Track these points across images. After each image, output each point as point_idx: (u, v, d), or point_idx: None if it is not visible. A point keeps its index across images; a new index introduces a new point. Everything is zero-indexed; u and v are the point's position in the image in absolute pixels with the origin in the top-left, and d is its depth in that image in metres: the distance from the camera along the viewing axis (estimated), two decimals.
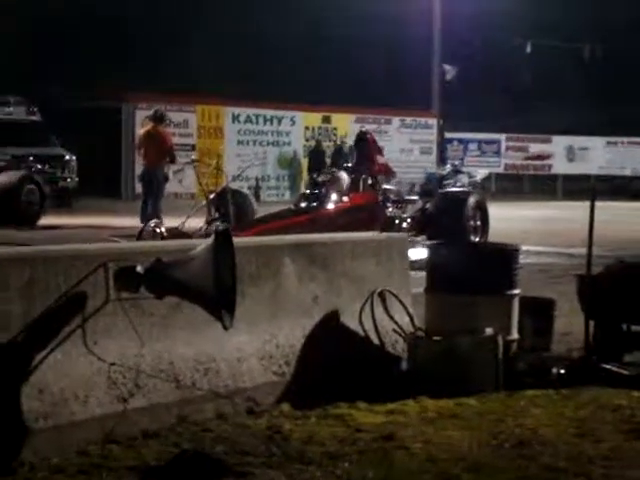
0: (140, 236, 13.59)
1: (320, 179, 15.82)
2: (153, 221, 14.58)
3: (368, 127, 36.61)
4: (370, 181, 15.55)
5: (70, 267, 5.39)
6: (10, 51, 38.95)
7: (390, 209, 15.22)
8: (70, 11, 40.46)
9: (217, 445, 5.33)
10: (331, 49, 43.78)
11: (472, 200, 15.30)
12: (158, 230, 13.86)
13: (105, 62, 39.15)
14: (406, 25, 40.89)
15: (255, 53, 42.79)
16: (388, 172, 16.39)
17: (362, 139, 16.65)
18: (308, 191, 15.77)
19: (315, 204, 15.03)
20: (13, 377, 5.08)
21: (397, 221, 14.88)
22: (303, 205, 15.32)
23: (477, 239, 14.97)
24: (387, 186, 15.92)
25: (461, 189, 19.20)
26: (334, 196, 15.08)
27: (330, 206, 14.98)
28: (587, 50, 41.91)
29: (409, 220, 15.02)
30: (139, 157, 21.05)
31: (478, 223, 15.30)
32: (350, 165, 16.27)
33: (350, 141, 35.47)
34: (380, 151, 16.82)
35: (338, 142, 34.05)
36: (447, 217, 14.57)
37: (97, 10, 40.64)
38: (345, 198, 15.07)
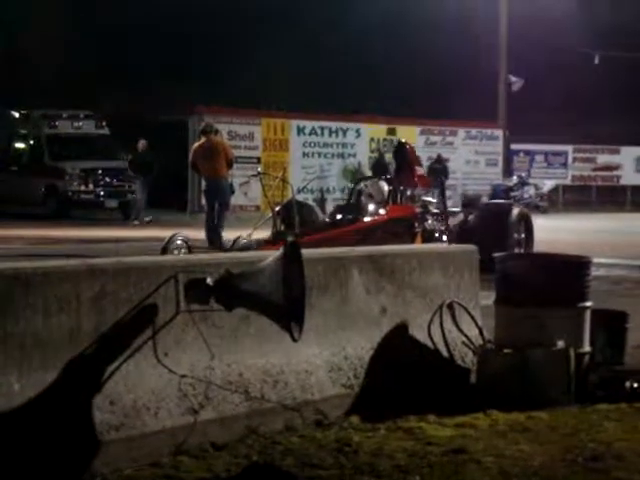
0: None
1: (359, 189, 15.64)
2: (180, 236, 14.18)
3: (433, 139, 36.78)
4: (409, 192, 15.32)
5: (140, 279, 5.42)
6: (76, 65, 39.52)
7: (429, 221, 14.92)
8: (135, 26, 40.91)
9: (286, 457, 5.32)
10: (396, 60, 43.72)
11: (515, 212, 14.93)
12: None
13: (170, 76, 39.50)
14: (472, 35, 40.71)
15: (319, 64, 42.91)
16: (426, 183, 16.08)
17: (401, 150, 16.44)
18: (344, 202, 15.55)
19: (351, 217, 14.79)
20: (85, 389, 5.11)
21: (436, 234, 14.57)
22: (339, 217, 15.11)
23: (521, 251, 14.45)
24: (426, 198, 15.66)
25: (506, 201, 18.82)
26: (371, 207, 14.89)
27: (367, 219, 14.72)
28: None
29: (448, 233, 14.68)
30: (193, 172, 21.15)
31: (522, 236, 14.87)
32: (389, 176, 16.06)
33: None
34: (419, 162, 16.55)
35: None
36: (489, 229, 14.09)
37: (161, 26, 41.06)
38: (382, 211, 14.84)
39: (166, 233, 14.65)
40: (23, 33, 39.28)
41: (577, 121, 45.17)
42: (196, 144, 18.47)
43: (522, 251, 14.51)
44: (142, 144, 26.87)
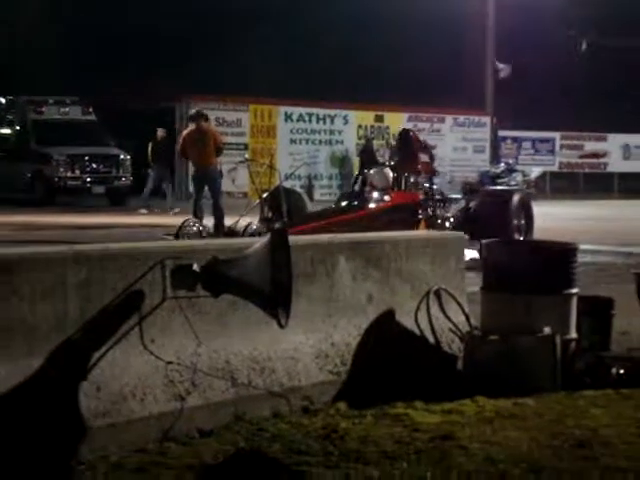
0: (177, 234, 13.60)
1: (364, 176, 15.71)
2: (192, 219, 14.56)
3: (421, 125, 36.77)
4: (412, 179, 15.39)
5: (127, 265, 5.41)
6: (65, 52, 39.36)
7: (432, 208, 15.03)
8: (124, 11, 40.78)
9: (273, 444, 5.33)
10: (383, 48, 43.66)
11: (516, 198, 15.06)
12: (195, 228, 13.86)
13: (157, 63, 39.39)
14: (459, 23, 40.67)
15: (307, 53, 42.83)
16: (430, 170, 16.17)
17: (405, 137, 16.44)
18: (351, 190, 15.66)
19: (356, 203, 14.93)
20: (71, 375, 5.11)
21: (439, 220, 14.68)
22: (344, 204, 15.24)
23: (522, 238, 14.69)
24: (429, 184, 15.73)
25: (507, 187, 18.98)
26: (376, 194, 14.97)
27: (371, 205, 14.84)
28: None
29: (452, 219, 14.81)
30: (181, 159, 21.11)
31: (522, 222, 15.05)
32: (391, 162, 16.07)
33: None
34: (423, 149, 16.58)
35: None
36: (491, 216, 14.34)
37: (152, 15, 40.93)
38: (387, 197, 14.94)
39: (153, 220, 14.66)
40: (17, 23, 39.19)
41: (564, 108, 45.18)
42: (185, 131, 18.44)
43: (522, 237, 14.67)
44: (161, 132, 26.68)
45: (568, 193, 38.11)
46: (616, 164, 41.77)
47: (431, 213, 14.84)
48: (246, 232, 13.46)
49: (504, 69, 37.02)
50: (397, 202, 14.81)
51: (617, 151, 41.97)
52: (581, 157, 41.77)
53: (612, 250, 16.24)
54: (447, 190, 17.05)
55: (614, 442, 5.41)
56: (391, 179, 15.15)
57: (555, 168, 41.21)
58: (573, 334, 7.00)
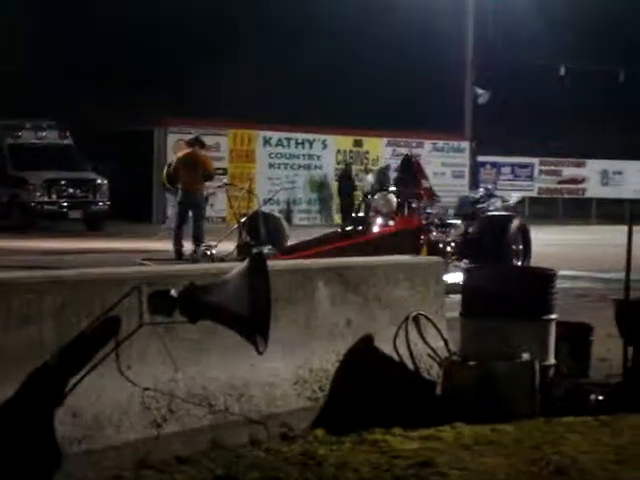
0: (192, 258, 13.79)
1: (366, 202, 16.09)
2: (204, 245, 14.82)
3: (400, 150, 36.85)
4: (415, 205, 15.65)
5: (103, 291, 5.37)
6: (43, 74, 39.29)
7: (434, 233, 15.24)
8: (103, 34, 40.77)
9: (251, 471, 5.28)
10: (362, 72, 43.81)
11: (514, 224, 15.30)
12: (209, 252, 14.05)
13: (137, 86, 39.38)
14: (439, 48, 40.87)
15: (288, 78, 42.93)
16: (432, 196, 16.43)
17: (408, 163, 16.76)
18: (355, 214, 16.08)
19: (361, 228, 15.21)
20: (47, 402, 5.05)
21: (441, 245, 14.88)
22: (349, 228, 15.57)
23: (520, 263, 14.95)
24: (430, 210, 15.96)
25: (504, 213, 19.28)
26: (380, 219, 15.23)
27: (376, 229, 15.11)
28: (622, 73, 41.71)
29: (453, 244, 15.03)
30: (168, 183, 21.01)
31: (520, 247, 15.30)
32: (396, 188, 16.36)
33: (384, 164, 35.58)
34: (425, 175, 16.92)
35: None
36: (490, 241, 14.61)
37: (130, 35, 40.96)
38: (391, 222, 15.20)
39: (130, 245, 14.66)
40: None
41: (543, 134, 45.43)
42: (180, 153, 18.49)
43: (520, 262, 14.96)
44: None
45: (547, 218, 38.20)
46: (594, 190, 41.95)
47: (433, 238, 15.04)
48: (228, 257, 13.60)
49: (483, 95, 37.21)
50: (400, 227, 15.06)
51: (595, 177, 42.17)
52: (560, 183, 41.94)
53: (591, 276, 16.27)
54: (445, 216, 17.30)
55: (592, 469, 5.39)
56: (395, 204, 15.40)
57: (534, 193, 41.34)
58: (552, 360, 7.00)
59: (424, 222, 15.32)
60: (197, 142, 18.16)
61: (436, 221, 15.56)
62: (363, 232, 15.05)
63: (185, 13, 42.02)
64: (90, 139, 29.73)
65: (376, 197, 15.86)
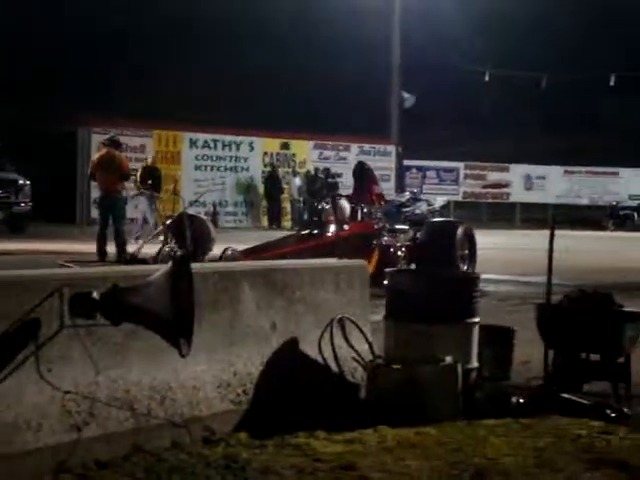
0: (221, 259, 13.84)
1: (321, 207, 16.45)
2: (230, 248, 14.79)
3: (327, 154, 36.98)
4: (367, 210, 16.02)
5: (24, 293, 5.29)
6: None
7: (385, 238, 15.51)
8: (25, 33, 40.27)
9: (173, 475, 5.24)
10: (291, 75, 43.84)
11: (460, 230, 15.70)
12: (229, 252, 14.10)
13: (61, 86, 38.96)
14: (366, 52, 41.05)
15: (215, 80, 42.77)
16: (383, 202, 16.81)
17: (362, 170, 17.14)
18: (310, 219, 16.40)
19: (316, 232, 15.54)
20: None
21: (392, 249, 15.13)
22: (304, 232, 15.89)
23: (466, 266, 15.48)
24: (381, 215, 16.35)
25: (453, 219, 19.99)
26: (334, 224, 15.53)
27: (330, 234, 15.39)
28: (544, 79, 42.28)
29: (403, 248, 15.30)
30: (92, 182, 20.84)
31: (466, 252, 15.78)
32: (349, 194, 16.79)
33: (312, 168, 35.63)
34: (376, 182, 17.39)
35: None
36: (437, 246, 15.01)
37: (54, 33, 40.51)
38: (345, 226, 15.51)
39: (53, 246, 14.47)
40: None
41: (469, 138, 45.85)
42: (96, 155, 18.35)
43: (466, 266, 15.50)
44: (152, 159, 26.12)
45: (472, 222, 38.45)
46: (518, 194, 42.46)
47: (384, 242, 15.29)
48: (224, 256, 13.86)
49: (409, 99, 37.44)
50: (355, 231, 15.38)
51: (519, 181, 42.67)
52: (484, 187, 42.38)
53: (514, 279, 16.45)
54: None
55: (512, 472, 5.44)
56: (348, 210, 15.78)
57: (459, 198, 41.75)
58: (474, 363, 7.05)
59: (376, 227, 15.65)
60: (112, 142, 18.02)
61: (387, 226, 15.91)
62: (320, 235, 15.37)
63: (109, 13, 41.71)
64: (13, 140, 29.33)
65: (330, 202, 16.22)
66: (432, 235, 15.48)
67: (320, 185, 33.23)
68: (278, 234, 19.53)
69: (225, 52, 42.38)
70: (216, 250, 15.62)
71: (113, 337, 5.63)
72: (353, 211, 15.86)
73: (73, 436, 5.31)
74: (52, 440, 5.23)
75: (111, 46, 41.86)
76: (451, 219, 18.67)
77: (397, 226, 16.61)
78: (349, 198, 16.27)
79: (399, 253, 15.13)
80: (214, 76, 42.49)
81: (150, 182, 22.31)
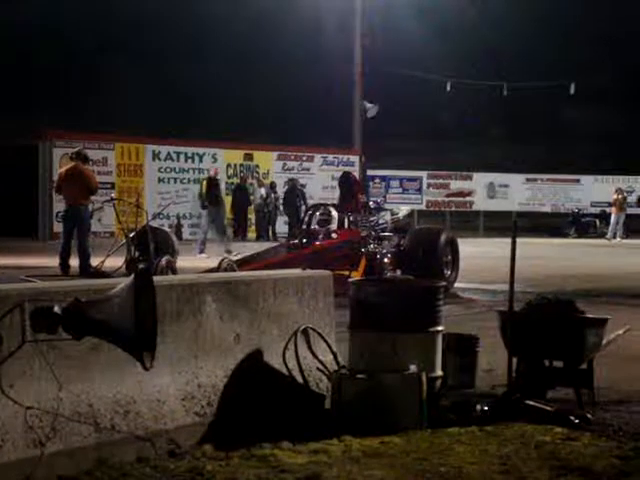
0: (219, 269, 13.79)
1: (312, 216, 16.62)
2: (226, 257, 14.86)
3: (290, 164, 36.97)
4: (353, 218, 16.33)
5: None
6: None
7: (371, 245, 15.74)
8: None
9: None
10: (252, 86, 43.84)
11: (444, 236, 16.08)
12: (225, 263, 14.09)
13: (21, 99, 38.74)
14: (328, 63, 41.14)
15: (176, 94, 42.70)
16: (369, 210, 17.13)
17: (347, 179, 17.59)
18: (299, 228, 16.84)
19: (306, 240, 15.80)
20: None
21: (378, 256, 15.36)
22: (295, 242, 16.15)
23: (449, 272, 15.91)
24: (367, 223, 16.60)
25: (435, 226, 20.35)
26: (323, 233, 15.91)
27: (319, 242, 15.71)
28: (505, 87, 42.52)
29: (389, 255, 15.55)
30: (57, 196, 20.81)
31: (449, 258, 16.13)
32: (334, 204, 17.19)
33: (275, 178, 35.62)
34: (362, 190, 17.91)
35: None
36: (421, 253, 15.43)
37: (14, 44, 40.29)
38: (334, 235, 15.88)
39: (12, 261, 14.35)
40: None
41: (431, 147, 46.04)
42: (64, 168, 18.35)
43: (449, 272, 15.95)
44: (214, 170, 26.18)
45: None
46: (481, 203, 42.64)
47: (370, 250, 15.53)
48: (220, 267, 13.72)
49: (371, 109, 37.46)
50: (344, 239, 15.76)
51: (482, 190, 42.86)
52: (448, 196, 42.53)
53: (477, 287, 16.53)
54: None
55: (478, 479, 5.46)
56: (336, 218, 16.16)
57: (423, 207, 41.86)
58: (439, 372, 7.06)
59: (362, 235, 15.91)
60: (79, 156, 17.96)
61: (372, 233, 16.12)
62: (308, 244, 15.64)
63: (72, 25, 41.56)
64: None
65: (319, 212, 16.50)
66: (416, 242, 15.79)
67: (298, 194, 33.35)
68: (250, 245, 19.61)
69: (186, 63, 42.33)
70: (198, 262, 15.56)
71: (76, 351, 5.59)
72: (339, 220, 16.21)
73: (36, 452, 5.27)
74: (15, 456, 5.19)
75: (74, 60, 41.73)
76: (434, 226, 19.17)
77: (382, 233, 16.80)
78: (335, 207, 16.61)
79: (385, 260, 15.37)
80: (175, 88, 42.41)
81: (216, 195, 23.16)
